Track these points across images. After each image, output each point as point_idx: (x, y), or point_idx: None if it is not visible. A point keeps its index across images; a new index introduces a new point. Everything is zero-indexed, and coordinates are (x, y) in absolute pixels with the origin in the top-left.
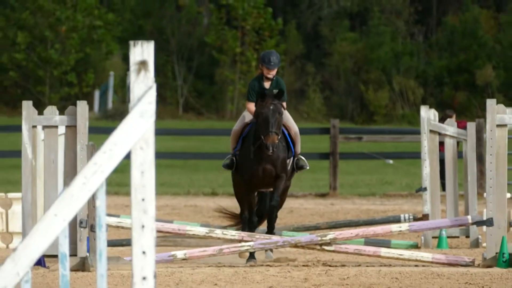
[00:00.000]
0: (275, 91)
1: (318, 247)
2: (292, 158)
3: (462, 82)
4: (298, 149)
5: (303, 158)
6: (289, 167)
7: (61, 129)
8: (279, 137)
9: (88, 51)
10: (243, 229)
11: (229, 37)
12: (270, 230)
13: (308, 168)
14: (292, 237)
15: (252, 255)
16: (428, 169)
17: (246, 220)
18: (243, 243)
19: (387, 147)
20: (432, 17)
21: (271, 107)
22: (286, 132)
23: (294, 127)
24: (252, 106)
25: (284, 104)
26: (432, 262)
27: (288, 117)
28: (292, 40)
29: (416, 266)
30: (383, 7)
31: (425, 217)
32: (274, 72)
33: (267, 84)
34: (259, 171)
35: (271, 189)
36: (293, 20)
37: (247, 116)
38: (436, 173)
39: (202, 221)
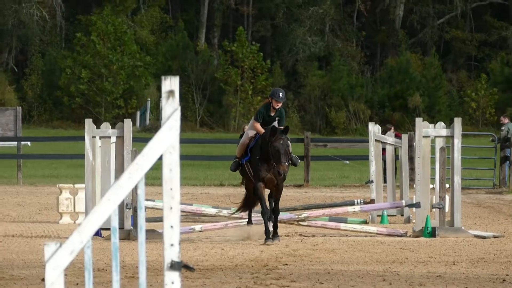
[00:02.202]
0: (277, 118)
1: (296, 223)
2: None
3: (398, 106)
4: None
5: (295, 156)
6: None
7: (113, 139)
8: (288, 168)
9: (132, 84)
10: (248, 210)
11: (232, 73)
12: (275, 228)
13: (299, 163)
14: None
15: (268, 237)
16: (374, 167)
17: (251, 203)
18: (242, 220)
19: (345, 151)
20: (377, 59)
21: (281, 142)
22: None
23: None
24: (258, 125)
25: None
26: (376, 233)
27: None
28: (277, 75)
29: (365, 236)
30: (341, 52)
31: (372, 201)
32: (279, 105)
33: (272, 113)
34: (265, 179)
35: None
36: (278, 61)
37: (250, 133)
38: (380, 170)
39: (213, 204)
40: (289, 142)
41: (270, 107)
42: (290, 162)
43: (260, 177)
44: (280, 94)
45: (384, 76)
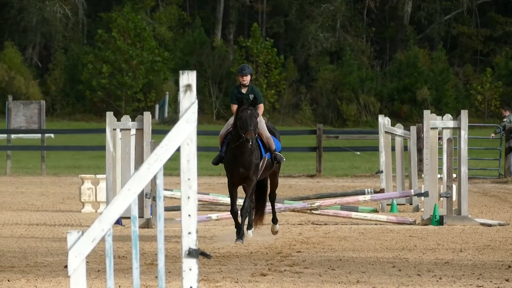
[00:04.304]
0: (251, 96)
1: (309, 211)
2: (267, 157)
3: (406, 98)
4: (273, 147)
5: (279, 153)
6: (264, 165)
7: (133, 131)
8: (256, 135)
9: (151, 78)
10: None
11: None
12: (249, 225)
13: (284, 160)
14: (291, 204)
15: (240, 236)
16: (384, 158)
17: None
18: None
19: (356, 143)
20: (386, 54)
21: (249, 112)
22: (258, 139)
23: (265, 132)
24: (234, 107)
25: (261, 106)
26: (386, 222)
27: (262, 125)
28: (290, 70)
29: (375, 224)
30: (352, 47)
31: (381, 190)
32: (247, 78)
33: (244, 90)
34: (238, 172)
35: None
36: (291, 56)
37: (231, 120)
38: (389, 160)
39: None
40: (257, 113)
41: (240, 86)
42: (275, 159)
43: (230, 171)
44: (244, 67)
45: (393, 70)
